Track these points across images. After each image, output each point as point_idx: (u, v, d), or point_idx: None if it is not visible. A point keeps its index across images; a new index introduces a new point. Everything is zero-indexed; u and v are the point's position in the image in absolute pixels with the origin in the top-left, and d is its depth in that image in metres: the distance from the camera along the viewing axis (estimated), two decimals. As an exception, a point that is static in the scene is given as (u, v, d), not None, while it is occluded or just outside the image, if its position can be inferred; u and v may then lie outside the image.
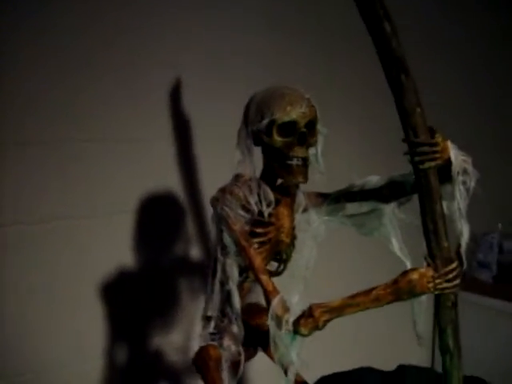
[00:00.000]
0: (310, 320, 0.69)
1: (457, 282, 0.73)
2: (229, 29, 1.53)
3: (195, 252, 1.53)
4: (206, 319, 0.85)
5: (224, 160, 1.47)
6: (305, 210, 0.86)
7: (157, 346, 1.52)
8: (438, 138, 0.71)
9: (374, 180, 0.86)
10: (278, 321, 0.69)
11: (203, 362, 0.78)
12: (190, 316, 1.56)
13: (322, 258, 0.86)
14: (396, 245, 0.82)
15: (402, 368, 0.90)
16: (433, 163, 0.71)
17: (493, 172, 2.00)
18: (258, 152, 0.83)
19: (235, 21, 1.55)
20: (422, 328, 0.83)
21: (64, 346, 1.37)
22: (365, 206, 0.86)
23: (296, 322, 0.70)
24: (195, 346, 0.83)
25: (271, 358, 0.86)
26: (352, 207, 0.87)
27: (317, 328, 0.70)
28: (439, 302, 0.76)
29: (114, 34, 1.33)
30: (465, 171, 0.73)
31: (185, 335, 1.56)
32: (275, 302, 0.70)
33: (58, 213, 1.32)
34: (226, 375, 0.77)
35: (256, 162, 0.83)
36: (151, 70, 1.39)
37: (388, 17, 0.67)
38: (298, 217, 0.85)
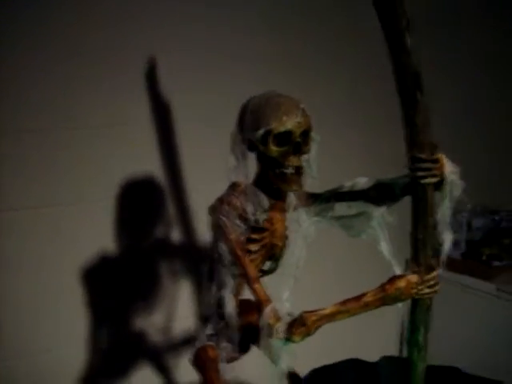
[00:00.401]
0: (302, 328, 0.72)
1: (436, 288, 0.78)
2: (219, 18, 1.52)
3: (176, 235, 1.55)
4: (204, 320, 0.87)
5: (204, 144, 1.51)
6: (295, 209, 0.87)
7: (140, 328, 1.55)
8: (438, 155, 0.74)
9: (363, 181, 0.88)
10: (270, 329, 0.72)
11: (202, 362, 0.82)
12: (171, 297, 1.60)
13: (312, 256, 0.89)
14: (384, 247, 0.85)
15: (385, 359, 0.95)
16: (433, 179, 0.74)
17: (465, 157, 2.07)
18: (251, 156, 0.86)
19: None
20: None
21: (48, 331, 1.39)
22: (353, 207, 0.89)
23: (288, 330, 0.72)
24: (194, 346, 0.85)
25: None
26: (341, 208, 0.89)
27: (308, 335, 0.73)
28: (417, 304, 0.81)
29: (102, 24, 1.33)
30: (454, 183, 0.76)
31: (166, 316, 1.59)
32: (267, 310, 0.73)
33: (43, 200, 1.33)
34: (223, 374, 0.80)
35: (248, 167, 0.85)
36: (135, 58, 1.39)
37: (410, 29, 0.66)
38: (289, 216, 0.86)
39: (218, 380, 0.80)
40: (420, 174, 0.73)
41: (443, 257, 0.80)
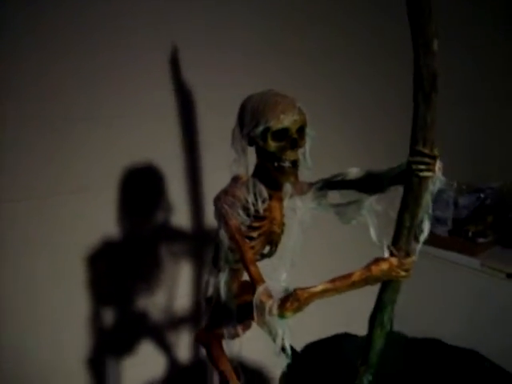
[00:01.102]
0: (295, 304, 0.77)
1: (410, 272, 0.85)
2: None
3: (175, 219, 1.61)
4: (206, 301, 0.94)
5: (205, 133, 1.57)
6: (291, 197, 0.94)
7: (143, 308, 1.62)
8: (436, 152, 0.80)
9: (354, 172, 0.95)
10: (262, 306, 0.77)
11: (207, 340, 0.89)
12: (172, 278, 1.67)
13: (308, 241, 0.97)
14: (373, 233, 0.93)
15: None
16: (430, 174, 0.80)
17: (450, 137, 2.14)
18: (250, 151, 0.92)
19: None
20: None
21: (52, 315, 1.44)
22: (345, 196, 0.96)
23: (281, 306, 0.77)
24: (200, 325, 0.92)
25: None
26: (333, 196, 0.96)
27: (299, 311, 0.79)
28: (389, 285, 0.87)
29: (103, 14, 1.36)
30: (439, 179, 0.83)
31: (168, 296, 1.66)
32: (260, 289, 0.78)
33: (47, 189, 1.37)
34: (227, 350, 0.88)
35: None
36: (137, 50, 1.43)
37: (437, 35, 0.72)
38: (286, 204, 0.93)
39: (222, 356, 0.87)
40: (420, 167, 0.79)
41: (418, 248, 0.87)
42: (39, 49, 1.29)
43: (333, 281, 0.80)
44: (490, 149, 2.35)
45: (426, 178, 0.80)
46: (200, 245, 1.70)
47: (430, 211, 0.84)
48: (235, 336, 0.91)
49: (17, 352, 1.39)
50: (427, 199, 0.83)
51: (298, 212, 0.94)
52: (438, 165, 0.82)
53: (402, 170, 0.85)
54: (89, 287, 1.50)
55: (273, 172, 0.87)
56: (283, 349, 0.81)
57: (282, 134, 0.84)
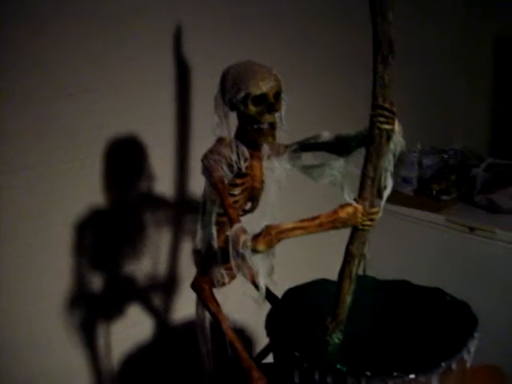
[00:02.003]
0: (267, 238, 0.83)
1: (375, 222, 0.92)
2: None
3: (158, 187, 1.68)
4: (196, 253, 1.04)
5: (187, 103, 1.64)
6: (268, 158, 1.04)
7: (129, 274, 1.69)
8: (394, 109, 0.88)
9: (325, 135, 1.05)
10: (237, 240, 0.83)
11: (199, 286, 0.99)
12: (156, 244, 1.74)
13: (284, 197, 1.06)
14: (345, 191, 1.02)
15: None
16: (390, 126, 0.89)
17: (414, 102, 2.25)
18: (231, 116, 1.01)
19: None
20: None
21: (42, 281, 1.49)
22: (317, 157, 1.05)
23: (254, 240, 0.83)
24: (192, 273, 1.02)
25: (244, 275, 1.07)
26: (307, 157, 1.06)
27: (271, 245, 0.83)
28: (356, 236, 0.93)
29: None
30: (399, 140, 0.92)
31: (153, 262, 1.74)
32: (236, 226, 0.85)
33: (40, 160, 1.43)
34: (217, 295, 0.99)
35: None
36: (110, 22, 1.48)
37: (393, 6, 0.82)
38: (264, 164, 1.03)
39: (213, 300, 0.97)
40: (380, 119, 0.88)
41: (383, 202, 0.94)
42: (20, 23, 1.32)
43: (302, 221, 0.87)
44: (451, 113, 2.46)
45: (387, 130, 0.89)
46: (182, 212, 1.78)
47: (392, 168, 0.92)
48: (223, 284, 1.01)
49: (7, 318, 1.44)
50: (389, 157, 0.92)
51: (275, 171, 1.03)
52: (397, 127, 0.91)
53: (367, 133, 0.95)
54: (77, 255, 1.56)
55: (253, 134, 0.96)
56: (257, 286, 0.89)
57: (260, 99, 0.93)
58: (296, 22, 1.92)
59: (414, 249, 2.05)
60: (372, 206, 0.91)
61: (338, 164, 1.01)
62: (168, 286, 1.80)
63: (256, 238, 0.83)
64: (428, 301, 1.02)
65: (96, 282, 1.63)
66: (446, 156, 2.21)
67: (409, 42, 2.12)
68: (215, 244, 0.97)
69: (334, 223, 0.88)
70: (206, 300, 0.97)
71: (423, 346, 0.97)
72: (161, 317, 1.81)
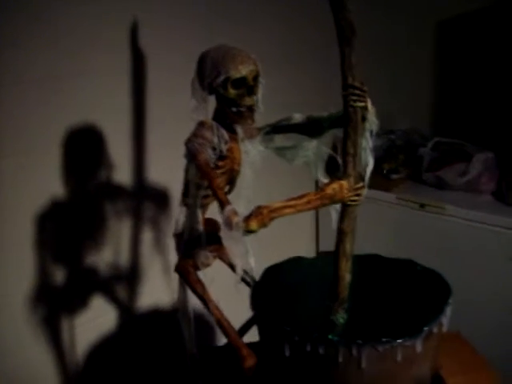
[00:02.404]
0: (259, 217, 0.84)
1: (362, 197, 0.96)
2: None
3: (116, 177, 1.67)
4: (177, 236, 1.05)
5: (141, 92, 1.64)
6: (242, 141, 1.06)
7: (91, 265, 1.68)
8: (365, 88, 0.92)
9: (297, 116, 1.07)
10: (229, 222, 0.84)
11: (184, 268, 1.00)
12: (117, 234, 1.74)
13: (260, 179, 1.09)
14: (318, 171, 1.06)
15: (322, 254, 1.18)
16: (362, 104, 0.92)
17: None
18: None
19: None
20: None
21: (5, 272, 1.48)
22: (290, 139, 1.08)
23: (246, 220, 0.84)
24: (175, 258, 1.03)
25: (222, 260, 1.10)
26: (279, 139, 1.08)
27: (263, 225, 0.84)
28: (346, 212, 0.97)
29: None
30: (373, 119, 0.96)
31: (114, 251, 1.73)
32: (227, 208, 0.85)
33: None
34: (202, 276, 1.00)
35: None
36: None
37: None
38: (242, 147, 1.04)
39: (198, 282, 0.99)
40: (353, 97, 0.91)
41: (367, 178, 0.98)
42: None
43: (290, 199, 0.89)
44: (398, 97, 2.54)
45: (360, 108, 0.92)
46: (141, 201, 1.78)
47: (370, 146, 0.96)
48: (207, 265, 1.03)
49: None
50: (366, 135, 0.96)
51: (250, 154, 1.05)
52: (371, 105, 0.95)
53: (339, 115, 0.98)
54: (38, 248, 1.55)
55: (232, 116, 0.98)
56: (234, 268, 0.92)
57: (240, 83, 0.95)
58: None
59: (367, 226, 2.10)
60: (356, 181, 0.95)
61: (310, 145, 1.05)
62: (130, 275, 1.81)
63: (248, 218, 0.84)
64: (401, 272, 1.08)
65: (58, 275, 1.61)
66: (393, 137, 2.28)
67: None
68: (200, 227, 0.98)
69: (322, 200, 0.90)
70: (192, 283, 0.98)
71: (403, 313, 1.02)
72: (124, 307, 1.81)
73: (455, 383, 1.19)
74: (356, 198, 0.95)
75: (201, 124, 0.96)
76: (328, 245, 1.16)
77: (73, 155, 1.56)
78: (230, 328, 0.97)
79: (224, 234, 0.84)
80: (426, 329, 0.89)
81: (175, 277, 1.87)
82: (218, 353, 1.17)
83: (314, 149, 1.06)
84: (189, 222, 1.01)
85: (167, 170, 1.72)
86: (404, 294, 1.05)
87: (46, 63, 1.45)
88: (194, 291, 0.98)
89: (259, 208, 0.85)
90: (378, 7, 2.35)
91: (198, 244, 1.02)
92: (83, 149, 1.60)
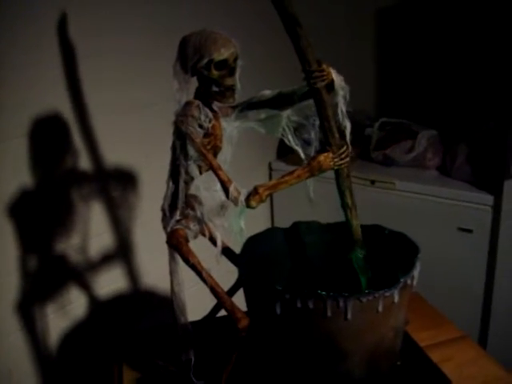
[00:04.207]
0: (257, 196, 0.95)
1: (348, 159, 1.04)
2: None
3: (83, 163, 1.72)
4: (163, 211, 1.11)
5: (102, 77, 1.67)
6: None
7: (61, 251, 1.72)
8: (324, 66, 1.00)
9: (267, 93, 1.14)
10: (236, 200, 0.95)
11: (176, 240, 1.05)
12: (84, 219, 1.77)
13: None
14: (292, 141, 1.14)
15: (296, 224, 1.27)
16: (323, 83, 1.00)
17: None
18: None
19: None
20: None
21: None
22: (262, 114, 1.15)
23: (247, 199, 0.95)
24: (168, 229, 1.08)
25: (203, 234, 1.17)
26: (253, 115, 1.16)
27: (262, 201, 0.96)
28: (338, 174, 1.06)
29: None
30: (341, 86, 1.05)
31: (83, 236, 1.77)
32: (231, 188, 0.95)
33: None
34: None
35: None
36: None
37: None
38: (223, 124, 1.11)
39: (190, 252, 1.04)
40: (312, 81, 0.99)
41: (347, 139, 1.06)
42: None
43: (283, 176, 0.98)
44: (361, 79, 2.64)
45: (321, 87, 1.00)
46: (107, 185, 1.82)
47: (345, 109, 1.05)
48: (195, 236, 1.10)
49: None
50: (338, 100, 1.04)
51: (226, 130, 1.12)
52: (336, 75, 1.03)
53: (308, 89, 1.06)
54: (8, 236, 1.58)
55: (215, 96, 1.04)
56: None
57: (222, 65, 1.02)
58: None
59: (323, 203, 2.21)
60: (340, 147, 1.03)
61: (285, 116, 1.13)
62: (100, 260, 1.84)
63: (248, 197, 0.95)
64: (370, 235, 1.17)
65: (29, 263, 1.64)
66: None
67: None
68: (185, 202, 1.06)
69: (311, 171, 1.00)
70: (185, 253, 1.04)
71: (377, 271, 1.12)
72: (96, 292, 1.85)
73: (419, 338, 1.31)
74: (342, 161, 1.04)
75: (188, 104, 1.02)
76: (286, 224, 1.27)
77: (38, 143, 1.59)
78: (223, 293, 1.03)
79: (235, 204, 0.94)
80: (402, 280, 0.99)
81: (143, 259, 1.93)
82: (205, 324, 1.24)
83: (286, 119, 1.14)
84: (176, 198, 1.08)
85: (130, 154, 1.77)
86: (375, 255, 1.15)
87: (5, 52, 1.47)
88: (187, 261, 1.04)
89: (256, 188, 0.95)
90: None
91: (190, 217, 1.09)
92: (47, 136, 1.62)
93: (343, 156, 1.04)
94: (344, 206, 1.11)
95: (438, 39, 2.44)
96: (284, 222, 1.29)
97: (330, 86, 1.03)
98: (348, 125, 1.06)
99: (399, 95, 2.60)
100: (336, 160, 1.03)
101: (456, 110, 2.38)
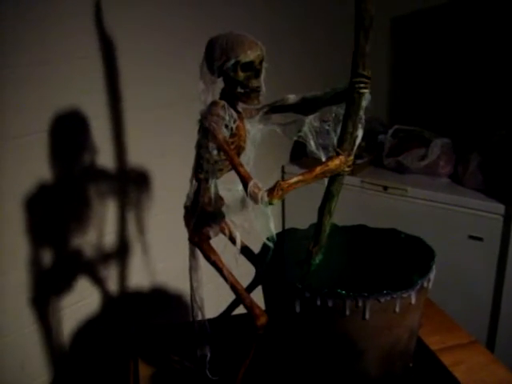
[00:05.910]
0: (280, 192, 0.94)
1: (351, 167, 1.07)
2: None
3: (100, 159, 1.74)
4: (186, 208, 1.13)
5: (123, 76, 1.70)
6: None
7: (76, 246, 1.74)
8: (370, 74, 1.01)
9: (291, 97, 1.17)
10: (255, 197, 0.93)
11: (198, 238, 1.08)
12: (101, 216, 1.80)
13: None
14: (313, 146, 1.17)
15: (313, 225, 1.28)
16: (367, 90, 1.01)
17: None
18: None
19: None
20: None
21: None
22: (286, 117, 1.18)
23: (270, 194, 0.93)
24: (191, 227, 1.10)
25: (223, 233, 1.19)
26: (277, 118, 1.18)
27: (282, 198, 0.95)
28: (336, 179, 1.07)
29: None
30: (366, 97, 1.06)
31: (98, 233, 1.79)
32: (251, 184, 0.93)
33: None
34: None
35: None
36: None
37: None
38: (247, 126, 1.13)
39: (212, 249, 1.07)
40: (361, 85, 1.00)
41: (355, 147, 1.07)
42: None
43: (302, 174, 0.98)
44: None
45: (364, 94, 1.03)
46: (124, 182, 1.84)
47: (363, 120, 1.07)
48: (216, 234, 1.12)
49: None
50: (361, 113, 1.07)
51: (250, 132, 1.14)
52: None
53: (335, 92, 1.08)
54: (26, 231, 1.59)
55: (241, 97, 1.07)
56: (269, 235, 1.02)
57: (248, 66, 1.04)
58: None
59: (336, 208, 2.25)
60: (349, 155, 1.06)
61: (307, 121, 1.16)
62: (115, 257, 1.86)
63: (271, 192, 0.94)
64: (387, 239, 1.19)
65: (44, 257, 1.65)
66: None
67: (311, 23, 2.31)
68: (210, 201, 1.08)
69: (325, 173, 1.02)
70: (206, 251, 1.06)
71: (394, 274, 1.14)
72: (109, 288, 1.87)
73: (430, 342, 1.33)
74: (347, 168, 1.06)
75: (214, 103, 1.05)
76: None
77: (58, 139, 1.61)
78: (242, 290, 1.06)
79: (253, 203, 0.94)
80: (419, 282, 1.01)
81: (155, 257, 1.95)
82: (221, 321, 1.26)
83: (308, 124, 1.16)
84: (201, 196, 1.10)
85: (147, 153, 1.80)
86: (392, 258, 1.18)
87: (33, 48, 1.50)
88: (208, 258, 1.06)
89: (279, 184, 0.95)
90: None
91: (208, 216, 1.11)
92: (68, 133, 1.65)
93: (350, 163, 1.06)
94: (324, 210, 1.11)
95: (451, 48, 2.46)
96: (295, 224, 1.31)
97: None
98: (360, 134, 1.08)
99: (413, 103, 2.62)
100: (344, 166, 1.05)
101: (469, 118, 2.40)
